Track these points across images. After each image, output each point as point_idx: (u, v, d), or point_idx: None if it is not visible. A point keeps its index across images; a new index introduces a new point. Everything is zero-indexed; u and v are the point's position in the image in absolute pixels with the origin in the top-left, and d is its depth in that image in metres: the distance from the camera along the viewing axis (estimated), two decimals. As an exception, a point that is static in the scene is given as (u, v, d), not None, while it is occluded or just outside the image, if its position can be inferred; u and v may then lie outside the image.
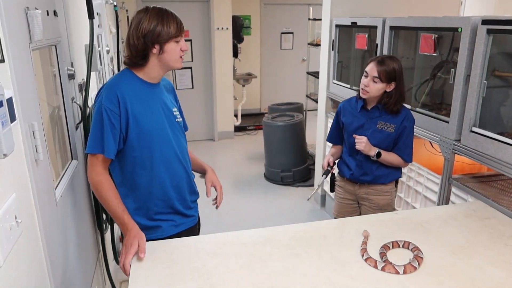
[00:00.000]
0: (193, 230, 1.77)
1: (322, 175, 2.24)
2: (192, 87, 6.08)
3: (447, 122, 2.22)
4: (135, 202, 1.62)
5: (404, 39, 2.75)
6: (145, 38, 1.50)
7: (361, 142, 2.05)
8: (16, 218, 1.03)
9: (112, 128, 1.50)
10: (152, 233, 1.63)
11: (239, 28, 6.20)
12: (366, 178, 2.16)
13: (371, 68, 2.00)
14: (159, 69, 1.59)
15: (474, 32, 1.99)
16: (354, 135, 2.09)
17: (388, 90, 2.02)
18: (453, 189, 2.19)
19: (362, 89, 2.04)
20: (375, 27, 2.85)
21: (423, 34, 2.38)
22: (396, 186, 2.24)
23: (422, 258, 1.41)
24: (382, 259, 1.41)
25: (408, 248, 1.49)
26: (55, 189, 1.48)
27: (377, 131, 2.08)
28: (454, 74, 2.14)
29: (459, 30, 2.07)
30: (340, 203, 2.33)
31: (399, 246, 1.51)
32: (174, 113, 1.68)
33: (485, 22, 1.92)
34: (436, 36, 2.30)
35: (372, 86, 2.00)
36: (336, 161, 2.30)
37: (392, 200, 2.22)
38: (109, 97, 1.50)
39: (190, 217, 1.75)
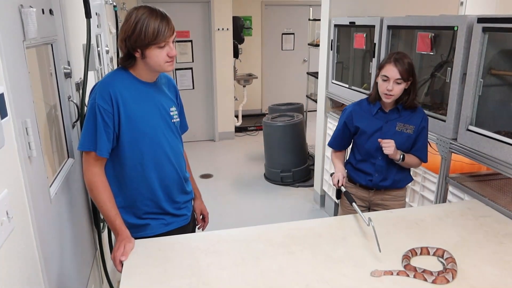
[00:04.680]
0: (185, 229, 1.74)
1: (336, 197, 2.15)
2: (193, 88, 6.09)
3: (444, 121, 2.21)
4: (124, 201, 1.60)
5: (402, 38, 2.75)
6: (126, 42, 1.46)
7: (390, 146, 1.95)
8: (7, 213, 1.03)
9: (105, 127, 1.48)
10: (141, 231, 1.62)
11: (240, 28, 6.22)
12: (385, 184, 2.09)
13: (392, 71, 1.90)
14: (148, 71, 1.55)
15: (470, 30, 1.98)
16: (379, 140, 1.99)
17: (406, 87, 1.96)
18: (450, 188, 2.19)
19: (385, 94, 1.94)
20: (373, 26, 2.85)
21: (420, 33, 2.38)
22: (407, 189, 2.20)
23: (456, 271, 1.34)
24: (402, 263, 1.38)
25: (442, 257, 1.43)
26: (50, 186, 1.48)
27: (398, 133, 2.01)
28: (451, 73, 2.13)
29: (455, 28, 2.07)
30: (349, 210, 2.19)
31: (428, 254, 1.45)
32: (171, 113, 1.64)
33: (480, 20, 1.92)
34: (433, 35, 2.30)
35: (396, 89, 1.92)
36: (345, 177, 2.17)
37: (405, 204, 2.19)
38: (103, 95, 1.48)
39: (181, 216, 1.72)
